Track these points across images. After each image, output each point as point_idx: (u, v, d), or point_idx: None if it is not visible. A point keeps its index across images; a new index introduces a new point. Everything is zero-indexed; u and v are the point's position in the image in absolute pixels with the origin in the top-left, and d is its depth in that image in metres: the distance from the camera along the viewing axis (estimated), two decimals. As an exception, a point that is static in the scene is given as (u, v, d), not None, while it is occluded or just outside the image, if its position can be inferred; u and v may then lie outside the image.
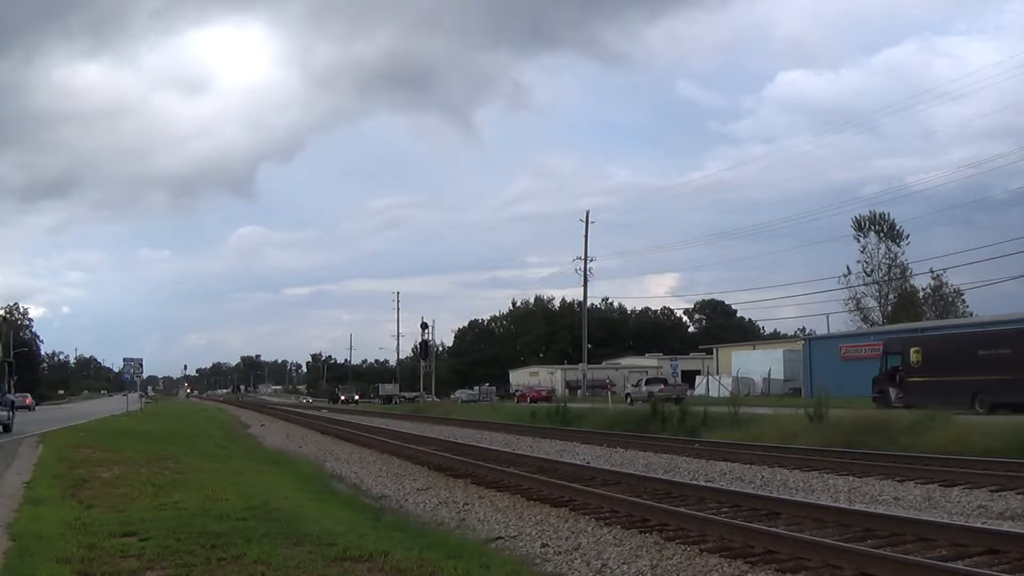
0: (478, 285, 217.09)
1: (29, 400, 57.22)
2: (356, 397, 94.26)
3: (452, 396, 74.82)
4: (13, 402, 30.55)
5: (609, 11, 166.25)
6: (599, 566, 7.80)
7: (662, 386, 47.87)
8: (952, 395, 26.47)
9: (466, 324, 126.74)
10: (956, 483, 12.56)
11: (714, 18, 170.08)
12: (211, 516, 8.53)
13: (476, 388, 76.79)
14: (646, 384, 50.33)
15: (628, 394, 49.59)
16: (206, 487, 11.24)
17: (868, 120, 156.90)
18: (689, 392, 48.46)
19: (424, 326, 66.43)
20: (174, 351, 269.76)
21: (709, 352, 72.72)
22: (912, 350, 30.81)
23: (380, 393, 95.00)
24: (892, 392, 30.66)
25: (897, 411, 23.62)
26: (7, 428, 26.70)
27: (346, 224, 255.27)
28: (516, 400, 60.66)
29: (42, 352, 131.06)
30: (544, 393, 60.20)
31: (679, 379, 52.04)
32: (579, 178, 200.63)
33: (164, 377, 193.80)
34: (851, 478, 13.68)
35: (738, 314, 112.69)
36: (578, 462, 17.37)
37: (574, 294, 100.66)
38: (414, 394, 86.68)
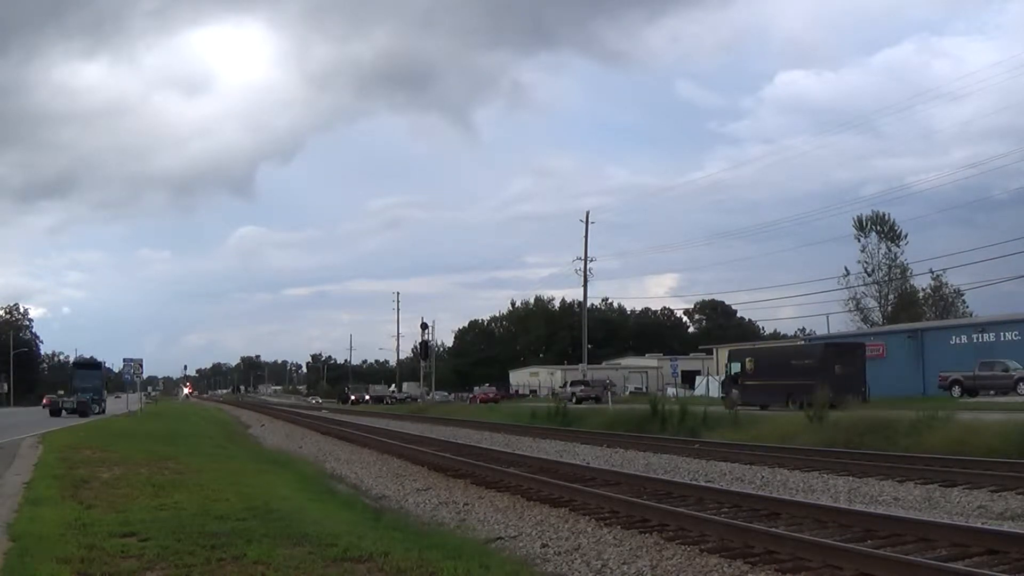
0: (478, 285, 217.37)
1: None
2: (367, 398, 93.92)
3: (429, 396, 76.29)
4: (104, 399, 47.78)
5: (609, 11, 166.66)
6: (599, 566, 7.80)
7: (583, 387, 56.54)
8: (774, 396, 32.81)
9: (466, 324, 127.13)
10: (956, 483, 12.55)
11: (714, 18, 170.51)
12: (211, 516, 8.51)
13: (448, 391, 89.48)
14: (571, 385, 58.23)
15: (555, 393, 58.06)
16: (206, 487, 11.21)
17: (868, 120, 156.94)
18: (611, 388, 55.31)
19: (424, 326, 66.51)
20: (174, 351, 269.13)
21: (709, 352, 72.74)
22: (748, 360, 37.87)
23: (371, 394, 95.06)
24: (735, 393, 35.92)
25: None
26: (103, 411, 42.00)
27: (346, 224, 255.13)
28: (469, 401, 69.68)
29: (42, 352, 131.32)
30: (491, 395, 71.58)
31: (679, 379, 57.90)
32: (579, 178, 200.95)
33: (164, 377, 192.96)
34: (851, 478, 13.68)
35: (738, 314, 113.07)
36: (578, 462, 17.38)
37: (574, 294, 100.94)
38: (404, 395, 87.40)
